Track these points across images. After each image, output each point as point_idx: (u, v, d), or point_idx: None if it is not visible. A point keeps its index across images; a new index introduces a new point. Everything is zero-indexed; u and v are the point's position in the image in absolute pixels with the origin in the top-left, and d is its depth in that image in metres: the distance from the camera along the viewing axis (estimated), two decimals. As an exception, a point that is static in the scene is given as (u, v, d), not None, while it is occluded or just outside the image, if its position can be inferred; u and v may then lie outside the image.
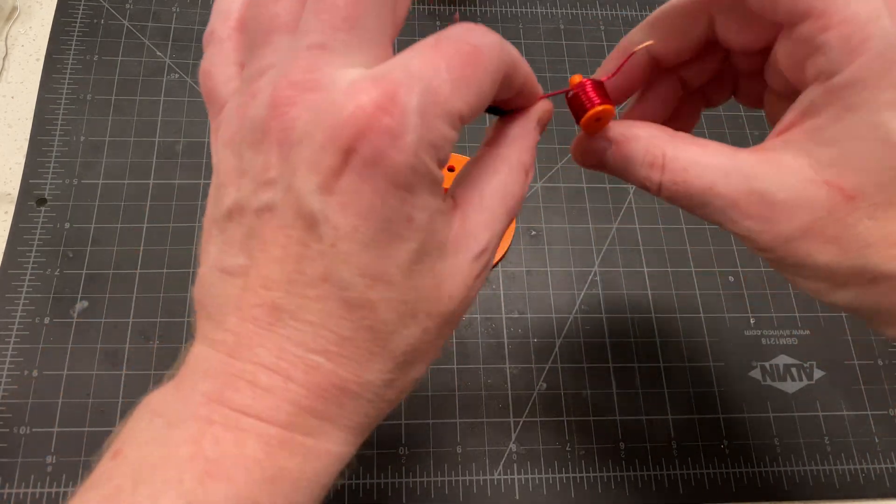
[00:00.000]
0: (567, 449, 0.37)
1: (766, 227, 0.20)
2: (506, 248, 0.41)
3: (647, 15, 0.52)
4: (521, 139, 0.22)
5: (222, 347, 0.18)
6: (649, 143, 0.22)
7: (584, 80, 0.23)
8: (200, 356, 0.19)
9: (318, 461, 0.18)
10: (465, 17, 0.50)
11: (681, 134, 0.22)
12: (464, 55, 0.18)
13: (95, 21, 0.46)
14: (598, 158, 0.24)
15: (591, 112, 0.22)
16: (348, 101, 0.16)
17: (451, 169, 0.43)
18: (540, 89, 0.23)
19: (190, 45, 0.46)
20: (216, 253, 0.19)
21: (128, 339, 0.37)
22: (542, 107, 0.23)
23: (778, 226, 0.20)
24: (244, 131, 0.18)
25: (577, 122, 0.23)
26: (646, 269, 0.42)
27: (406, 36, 0.48)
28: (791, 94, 0.22)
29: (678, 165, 0.21)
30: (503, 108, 0.22)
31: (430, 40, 0.18)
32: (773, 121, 0.24)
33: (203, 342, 0.19)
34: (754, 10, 0.21)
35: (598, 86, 0.23)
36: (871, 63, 0.18)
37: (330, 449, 0.19)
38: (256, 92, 0.18)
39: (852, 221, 0.20)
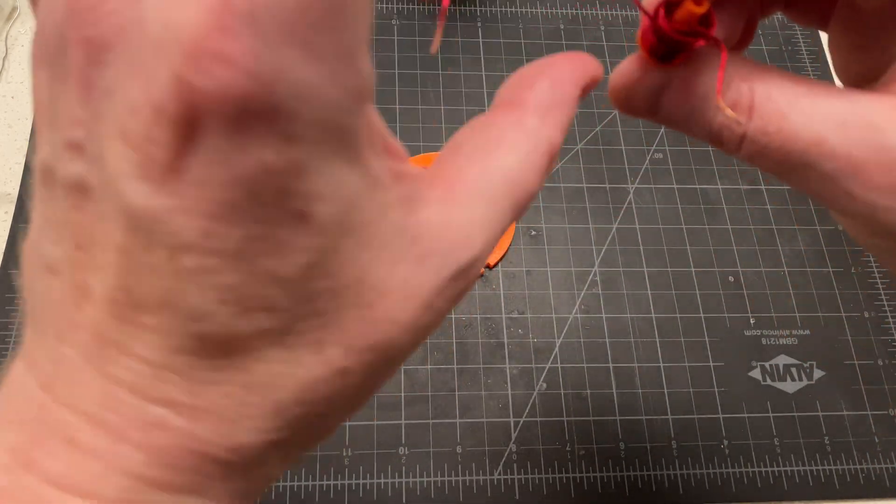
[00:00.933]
0: (567, 449, 0.37)
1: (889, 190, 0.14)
2: (505, 248, 0.41)
3: (647, 15, 0.52)
4: (556, 108, 0.15)
5: (40, 374, 0.13)
6: (730, 75, 0.15)
7: None
8: (15, 382, 0.13)
9: None
10: (464, 18, 0.50)
11: (772, 67, 0.15)
12: None
13: (96, 21, 0.46)
14: (651, 99, 0.16)
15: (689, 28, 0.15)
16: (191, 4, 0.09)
17: None
18: None
19: (190, 44, 0.46)
20: (36, 225, 0.13)
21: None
22: (590, 66, 0.17)
23: None
24: (47, 41, 0.11)
25: (657, 36, 0.16)
26: (646, 269, 0.42)
27: (407, 36, 0.48)
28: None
29: (772, 108, 0.15)
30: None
31: None
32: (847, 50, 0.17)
33: (23, 358, 0.14)
34: None
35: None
36: None
37: None
38: None
39: None
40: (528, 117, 0.15)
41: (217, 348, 0.12)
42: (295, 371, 0.12)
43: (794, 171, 0.15)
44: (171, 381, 0.12)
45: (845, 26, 0.17)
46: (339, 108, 0.11)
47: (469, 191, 0.14)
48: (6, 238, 0.39)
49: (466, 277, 0.14)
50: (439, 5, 0.50)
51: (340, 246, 0.12)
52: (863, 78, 0.17)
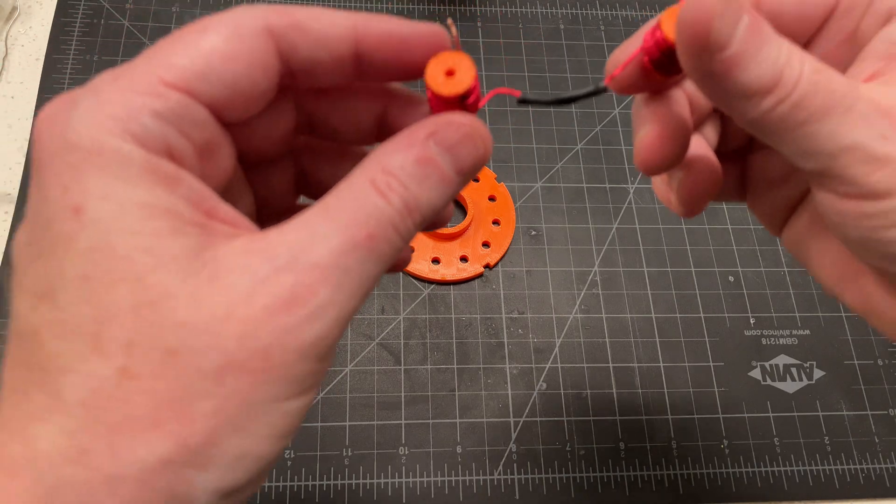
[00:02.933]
0: (567, 449, 0.37)
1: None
2: (505, 248, 0.41)
3: (646, 15, 0.52)
4: (415, 129, 0.16)
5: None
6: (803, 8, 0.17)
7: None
8: None
9: None
10: (464, 18, 0.50)
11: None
12: (181, 31, 0.16)
13: (95, 21, 0.46)
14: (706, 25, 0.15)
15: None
16: (39, 115, 0.15)
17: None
18: (428, 34, 0.17)
19: (190, 44, 0.46)
20: None
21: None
22: (455, 118, 0.16)
23: None
24: None
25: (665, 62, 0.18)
26: (646, 269, 0.42)
27: (406, 36, 0.48)
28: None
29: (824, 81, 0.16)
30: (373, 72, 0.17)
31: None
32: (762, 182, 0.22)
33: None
34: None
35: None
36: None
37: None
38: None
39: None
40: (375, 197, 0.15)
41: (15, 340, 0.15)
42: (77, 367, 0.14)
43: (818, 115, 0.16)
44: None
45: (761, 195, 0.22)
46: None
47: (309, 215, 0.15)
48: (6, 238, 0.39)
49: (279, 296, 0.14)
50: (442, 7, 0.50)
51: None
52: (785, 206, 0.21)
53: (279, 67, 0.16)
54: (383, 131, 0.19)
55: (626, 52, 0.19)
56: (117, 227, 0.14)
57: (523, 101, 0.19)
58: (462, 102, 0.17)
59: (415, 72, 0.17)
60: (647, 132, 0.20)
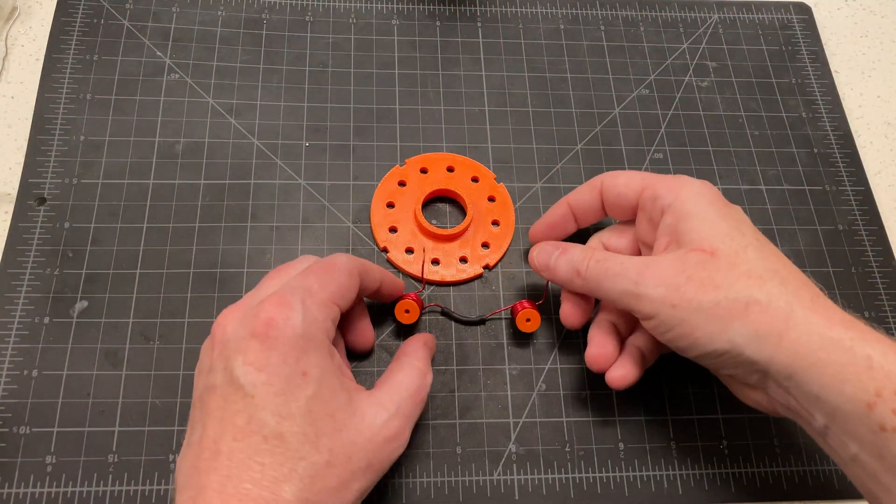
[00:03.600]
0: (566, 449, 0.37)
1: (658, 280, 0.30)
2: (505, 249, 0.41)
3: (646, 15, 0.52)
4: (415, 351, 0.33)
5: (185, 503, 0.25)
6: (585, 247, 0.35)
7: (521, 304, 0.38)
8: None
9: None
10: (464, 18, 0.50)
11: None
12: (324, 267, 0.30)
13: (95, 21, 0.46)
14: (547, 257, 0.36)
15: (520, 313, 0.37)
16: (259, 308, 0.27)
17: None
18: (399, 284, 0.36)
19: (190, 45, 0.46)
20: (187, 435, 0.28)
21: (128, 339, 0.37)
22: (426, 337, 0.35)
23: (668, 277, 0.30)
24: (202, 353, 0.30)
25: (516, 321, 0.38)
26: (645, 270, 0.42)
27: (407, 36, 0.48)
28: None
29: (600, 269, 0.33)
30: (377, 299, 0.36)
31: (310, 268, 0.30)
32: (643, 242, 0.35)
33: None
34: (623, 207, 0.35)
35: (529, 303, 0.38)
36: (681, 202, 0.32)
37: None
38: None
39: (717, 266, 0.29)
40: (402, 356, 0.33)
41: (270, 441, 0.26)
42: (308, 457, 0.26)
43: (606, 280, 0.32)
44: (251, 467, 0.25)
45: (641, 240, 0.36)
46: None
47: (383, 387, 0.30)
48: (6, 238, 0.39)
49: (390, 427, 0.29)
50: (441, 7, 0.49)
51: (322, 389, 0.28)
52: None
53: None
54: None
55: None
56: (324, 383, 0.27)
57: (445, 314, 0.39)
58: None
59: (389, 300, 0.37)
60: (564, 307, 0.36)
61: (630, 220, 0.36)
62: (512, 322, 0.39)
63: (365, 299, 0.36)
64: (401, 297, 0.37)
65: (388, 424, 0.28)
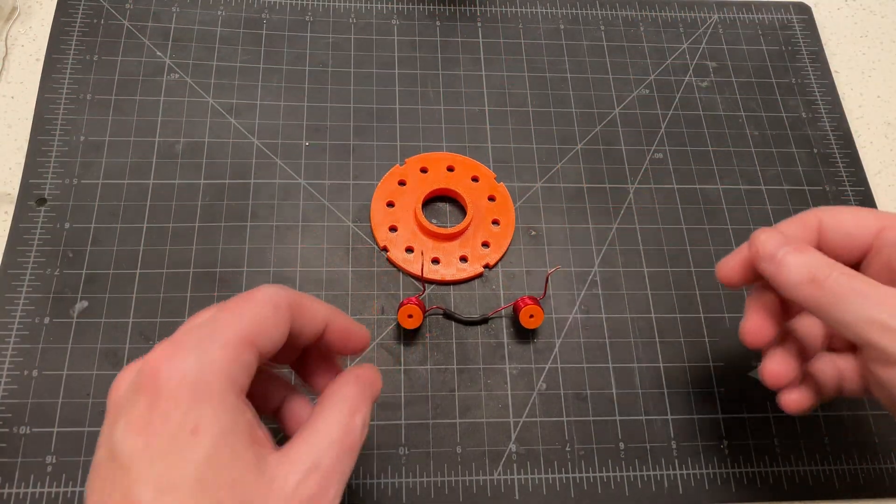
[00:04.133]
0: (567, 449, 0.37)
1: None
2: (505, 249, 0.41)
3: (646, 15, 0.52)
4: (340, 388, 0.26)
5: None
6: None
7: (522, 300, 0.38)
8: None
9: None
10: (464, 18, 0.50)
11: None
12: (237, 298, 0.24)
13: (95, 21, 0.46)
14: (776, 246, 0.29)
15: (523, 309, 0.37)
16: (147, 357, 0.22)
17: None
18: (362, 336, 0.28)
19: (190, 45, 0.46)
20: None
21: (128, 339, 0.37)
22: (359, 371, 0.27)
23: None
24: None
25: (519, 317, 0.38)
26: (646, 269, 0.42)
27: (407, 36, 0.48)
28: None
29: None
30: (330, 349, 0.28)
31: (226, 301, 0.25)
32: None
33: None
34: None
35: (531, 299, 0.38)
36: None
37: None
38: None
39: None
40: (332, 401, 0.25)
41: None
42: None
43: (840, 300, 0.26)
44: None
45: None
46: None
47: (301, 438, 0.24)
48: (6, 238, 0.39)
49: (308, 486, 0.23)
50: (441, 7, 0.50)
51: (218, 452, 0.21)
52: None
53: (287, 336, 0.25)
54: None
55: (732, 260, 0.31)
56: (223, 443, 0.21)
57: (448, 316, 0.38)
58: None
59: (346, 351, 0.28)
60: (747, 319, 0.30)
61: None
62: (514, 320, 0.39)
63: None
64: (402, 303, 0.37)
65: (304, 485, 0.22)
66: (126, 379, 0.23)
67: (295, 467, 0.22)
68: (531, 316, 0.37)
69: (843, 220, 0.30)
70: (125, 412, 0.21)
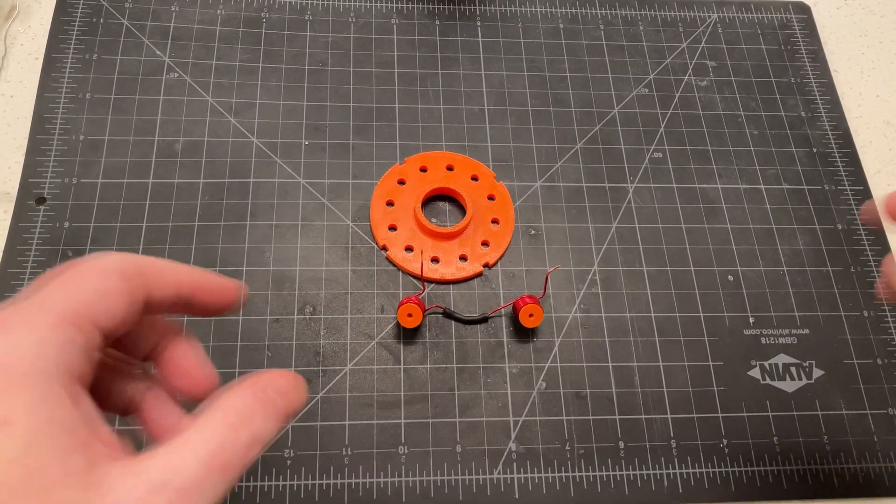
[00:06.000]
0: (566, 448, 0.37)
1: None
2: (504, 248, 0.41)
3: (645, 14, 0.52)
4: (233, 397, 0.20)
5: None
6: None
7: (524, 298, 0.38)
8: None
9: None
10: (464, 17, 0.50)
11: None
12: (69, 269, 0.20)
13: (94, 20, 0.46)
14: None
15: (523, 308, 0.37)
16: None
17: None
18: (230, 287, 0.23)
19: (189, 44, 0.46)
20: None
21: (127, 338, 0.37)
22: (267, 379, 0.21)
23: None
24: None
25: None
26: (645, 269, 0.42)
27: (406, 35, 0.48)
28: None
29: None
30: (191, 312, 0.23)
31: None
32: None
33: None
34: None
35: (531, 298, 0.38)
36: None
37: None
38: None
39: None
40: (216, 413, 0.20)
41: None
42: None
43: None
44: None
45: None
46: None
47: (167, 445, 0.19)
48: (5, 237, 0.39)
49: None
50: (441, 7, 0.50)
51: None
52: None
53: (138, 307, 0.21)
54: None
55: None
56: (40, 439, 0.17)
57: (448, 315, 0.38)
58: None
59: (217, 311, 0.23)
60: None
61: None
62: (513, 319, 0.39)
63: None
64: (402, 301, 0.37)
65: (145, 501, 0.17)
66: None
67: (139, 481, 0.18)
68: (531, 315, 0.37)
69: None
70: None
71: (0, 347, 0.17)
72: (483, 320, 0.39)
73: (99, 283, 0.20)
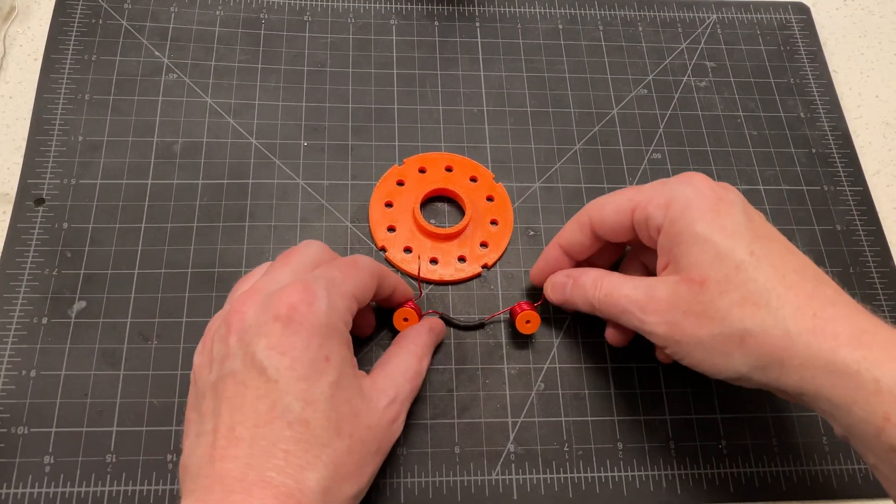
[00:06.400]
0: (565, 449, 0.37)
1: (660, 317, 0.30)
2: (503, 249, 0.41)
3: (644, 15, 0.52)
4: (415, 337, 0.34)
5: (201, 492, 0.25)
6: (594, 275, 0.34)
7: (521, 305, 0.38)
8: None
9: None
10: (463, 18, 0.50)
11: (608, 274, 0.35)
12: (348, 262, 0.31)
13: (93, 21, 0.46)
14: (561, 291, 0.36)
15: (520, 315, 0.38)
16: (282, 293, 0.27)
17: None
18: (410, 293, 0.37)
19: (188, 45, 0.46)
20: (194, 427, 0.27)
21: (126, 339, 0.37)
22: (431, 323, 0.36)
23: (667, 314, 0.30)
24: (211, 334, 0.29)
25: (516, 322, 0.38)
26: (644, 270, 0.42)
27: (405, 36, 0.48)
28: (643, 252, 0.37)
29: (606, 284, 0.33)
30: (386, 304, 0.36)
31: (334, 261, 0.31)
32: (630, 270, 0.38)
33: (186, 498, 0.25)
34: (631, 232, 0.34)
35: (527, 304, 0.38)
36: (676, 216, 0.30)
37: None
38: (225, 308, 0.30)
39: (709, 298, 0.29)
40: (402, 341, 0.34)
41: (295, 427, 0.26)
42: (331, 444, 0.27)
43: (619, 314, 0.33)
44: (275, 454, 0.25)
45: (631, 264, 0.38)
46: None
47: (382, 373, 0.31)
48: (4, 238, 0.39)
49: (392, 410, 0.30)
50: (441, 7, 0.49)
51: (342, 377, 0.28)
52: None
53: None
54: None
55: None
56: (343, 370, 0.27)
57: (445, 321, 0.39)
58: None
59: (398, 305, 0.36)
60: (608, 331, 0.37)
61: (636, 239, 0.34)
62: (511, 322, 0.39)
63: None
64: (398, 306, 0.37)
65: (390, 408, 0.29)
66: (252, 306, 0.27)
67: (383, 394, 0.30)
68: (527, 322, 0.37)
69: (604, 214, 0.34)
70: (264, 335, 0.26)
71: (319, 308, 0.27)
72: (480, 326, 0.39)
73: (366, 277, 0.31)
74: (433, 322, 0.36)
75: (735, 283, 0.28)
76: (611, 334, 0.37)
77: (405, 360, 0.32)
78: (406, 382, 0.31)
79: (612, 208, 0.34)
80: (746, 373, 0.28)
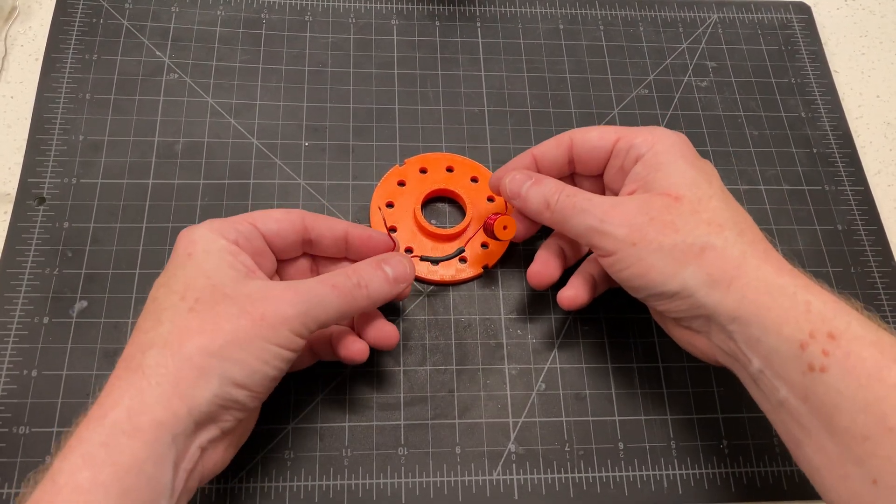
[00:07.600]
0: (566, 449, 0.37)
1: (622, 220, 0.32)
2: (504, 249, 0.41)
3: (644, 15, 0.52)
4: (362, 273, 0.32)
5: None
6: (558, 181, 0.35)
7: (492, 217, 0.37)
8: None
9: None
10: (463, 18, 0.50)
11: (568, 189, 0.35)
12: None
13: (94, 21, 0.46)
14: (518, 185, 0.36)
15: (496, 221, 0.37)
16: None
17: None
18: (382, 238, 0.35)
19: (189, 44, 0.46)
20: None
21: (127, 339, 0.37)
22: (398, 272, 0.33)
23: (632, 218, 0.31)
24: None
25: (492, 234, 0.37)
26: (645, 270, 0.42)
27: (406, 36, 0.48)
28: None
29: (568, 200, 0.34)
30: (352, 256, 0.35)
31: None
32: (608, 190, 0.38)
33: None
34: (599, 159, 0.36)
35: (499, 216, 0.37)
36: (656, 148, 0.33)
37: None
38: None
39: (680, 211, 0.31)
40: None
41: None
42: None
43: (574, 214, 0.33)
44: None
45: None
46: None
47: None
48: (5, 238, 0.39)
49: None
50: (441, 7, 0.49)
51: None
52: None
53: (301, 236, 0.34)
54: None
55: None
56: (204, 263, 0.30)
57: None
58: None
59: (372, 252, 0.35)
60: (533, 266, 0.37)
61: (595, 175, 0.37)
62: (508, 315, 0.38)
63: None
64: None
65: (270, 288, 0.30)
66: None
67: (269, 282, 0.30)
68: (504, 227, 0.37)
69: (589, 137, 0.36)
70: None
71: (195, 232, 0.30)
72: (459, 254, 0.38)
73: (275, 212, 0.33)
74: (392, 258, 0.33)
75: (706, 207, 0.31)
76: (537, 268, 0.37)
77: (338, 274, 0.31)
78: (319, 283, 0.30)
79: (596, 133, 0.36)
80: (692, 287, 0.30)
